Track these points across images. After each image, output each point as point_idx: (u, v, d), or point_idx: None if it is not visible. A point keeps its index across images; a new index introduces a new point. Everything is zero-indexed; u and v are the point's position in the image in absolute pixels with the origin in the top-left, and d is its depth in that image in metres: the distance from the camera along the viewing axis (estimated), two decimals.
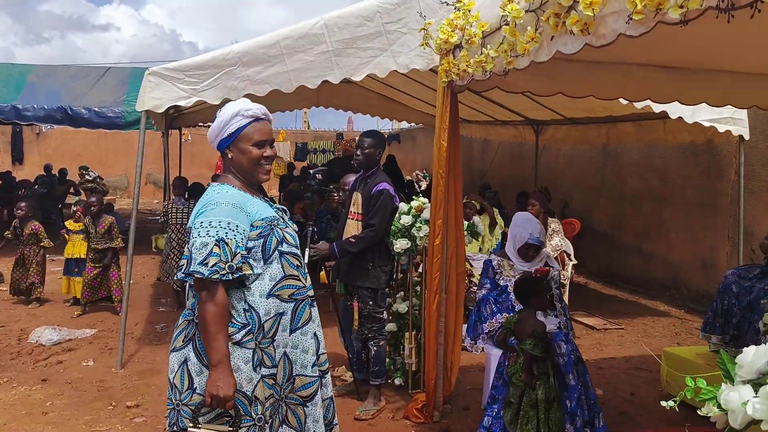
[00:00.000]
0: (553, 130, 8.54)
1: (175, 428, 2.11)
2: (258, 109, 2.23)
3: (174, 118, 9.56)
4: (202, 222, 2.07)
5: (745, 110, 5.57)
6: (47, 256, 9.39)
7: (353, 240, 3.94)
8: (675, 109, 5.21)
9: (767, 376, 1.15)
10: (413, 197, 4.38)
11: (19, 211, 6.66)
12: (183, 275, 2.09)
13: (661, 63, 4.00)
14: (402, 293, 4.71)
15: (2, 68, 11.24)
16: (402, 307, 4.56)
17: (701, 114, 5.41)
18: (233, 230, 2.06)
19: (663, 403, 1.38)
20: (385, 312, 4.25)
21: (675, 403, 1.30)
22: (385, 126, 19.70)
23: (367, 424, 3.93)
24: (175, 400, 2.13)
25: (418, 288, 4.62)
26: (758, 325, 3.56)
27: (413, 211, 4.14)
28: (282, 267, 2.18)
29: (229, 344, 2.07)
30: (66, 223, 6.88)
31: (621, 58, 3.87)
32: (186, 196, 6.91)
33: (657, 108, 5.29)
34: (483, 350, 4.42)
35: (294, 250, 2.24)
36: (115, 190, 18.32)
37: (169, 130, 10.27)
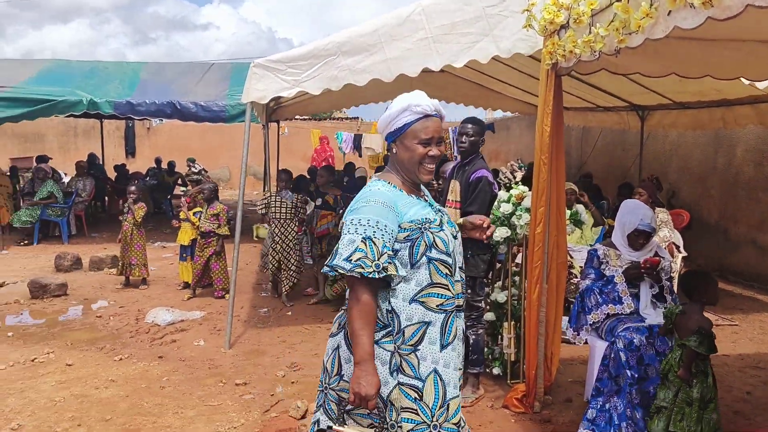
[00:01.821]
0: (660, 115, 8.09)
1: (321, 417, 2.13)
2: (429, 105, 2.11)
3: (273, 111, 9.89)
4: (352, 219, 2.05)
5: None
6: (159, 243, 10.07)
7: None
8: None
9: None
10: (512, 186, 4.30)
11: (131, 195, 7.13)
12: (328, 268, 2.04)
13: None
14: (500, 282, 4.64)
15: (117, 67, 12.09)
16: (501, 296, 4.50)
17: None
18: (381, 229, 2.01)
19: None
20: (483, 301, 4.21)
21: None
22: (479, 115, 19.47)
23: (466, 412, 3.92)
24: (325, 383, 2.13)
25: (516, 278, 4.54)
26: None
27: (513, 199, 4.07)
28: (429, 273, 2.07)
29: None
30: (180, 214, 7.27)
31: (744, 34, 3.60)
32: (291, 189, 6.69)
33: None
34: (586, 342, 4.28)
35: (445, 257, 2.09)
36: (218, 181, 19.23)
37: (268, 123, 10.64)
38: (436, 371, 2.05)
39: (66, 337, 5.36)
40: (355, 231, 2.01)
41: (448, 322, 2.10)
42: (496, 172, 11.77)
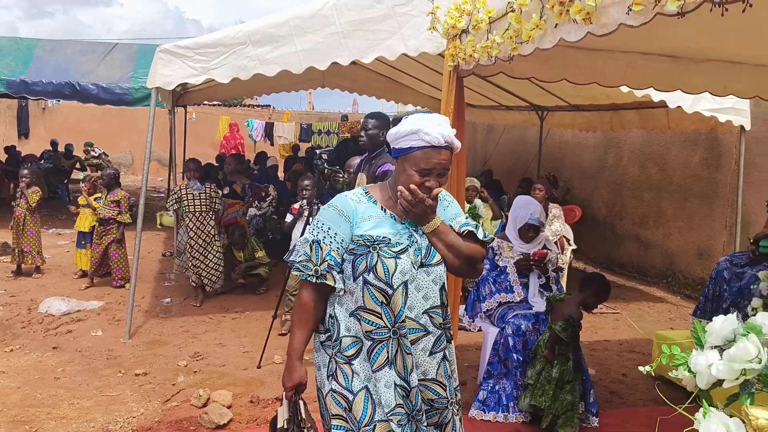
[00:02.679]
0: (557, 116, 8.60)
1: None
2: (439, 136, 1.96)
3: (180, 96, 9.62)
4: (315, 220, 2.10)
5: (748, 101, 5.64)
6: (54, 230, 9.57)
7: None
8: (675, 99, 5.29)
9: (732, 342, 1.26)
10: None
11: (24, 179, 6.77)
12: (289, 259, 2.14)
13: (664, 52, 4.08)
14: None
15: (9, 42, 11.29)
16: None
17: (702, 104, 5.48)
18: (331, 236, 2.01)
19: (641, 368, 1.50)
20: None
21: (651, 368, 1.43)
22: (391, 109, 19.74)
23: None
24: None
25: None
26: (747, 310, 3.68)
27: None
28: (363, 296, 1.99)
29: (317, 341, 2.11)
30: (79, 199, 6.97)
31: (624, 46, 3.95)
32: (200, 179, 6.17)
33: (656, 97, 5.38)
34: (480, 329, 4.54)
35: (382, 284, 1.96)
36: (120, 166, 18.41)
37: (174, 108, 10.34)
38: (367, 389, 2.00)
39: None
40: (311, 232, 2.07)
41: (374, 351, 1.99)
42: None
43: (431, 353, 2.05)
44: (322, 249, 2.00)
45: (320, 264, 1.99)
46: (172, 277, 6.97)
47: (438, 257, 2.06)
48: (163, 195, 13.18)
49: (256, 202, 7.34)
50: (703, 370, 1.30)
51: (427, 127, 1.97)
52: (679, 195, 7.59)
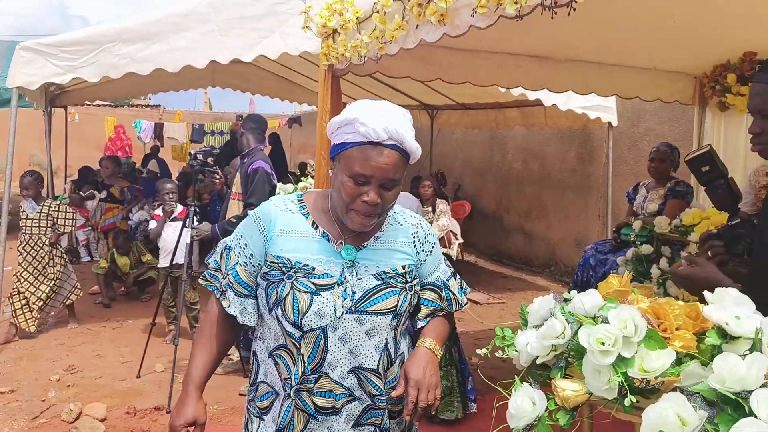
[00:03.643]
0: (446, 115, 8.87)
1: None
2: (380, 129, 1.42)
3: (56, 96, 9.06)
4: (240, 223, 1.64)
5: (614, 98, 6.07)
6: None
7: (234, 220, 4.00)
8: (550, 97, 5.61)
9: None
10: (301, 179, 4.49)
11: None
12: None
13: (529, 53, 4.32)
14: None
15: None
16: None
17: (574, 102, 5.84)
18: (240, 247, 1.55)
19: (478, 351, 1.59)
20: None
21: (488, 350, 1.52)
22: (288, 108, 19.57)
23: None
24: None
25: None
26: None
27: (297, 191, 4.24)
28: (278, 333, 1.53)
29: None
30: None
31: (493, 47, 4.15)
32: (37, 197, 5.18)
33: (533, 96, 5.68)
34: None
35: (288, 326, 1.49)
36: None
37: (51, 109, 9.73)
38: None
39: None
40: (231, 235, 1.62)
41: (283, 408, 1.51)
42: (304, 165, 12.00)
43: (356, 425, 1.53)
44: (230, 258, 1.56)
45: (224, 277, 1.57)
46: None
47: (383, 305, 1.51)
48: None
49: (138, 205, 7.06)
50: (522, 348, 1.40)
51: (364, 116, 1.43)
52: (558, 188, 8.05)
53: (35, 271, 5.04)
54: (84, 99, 10.55)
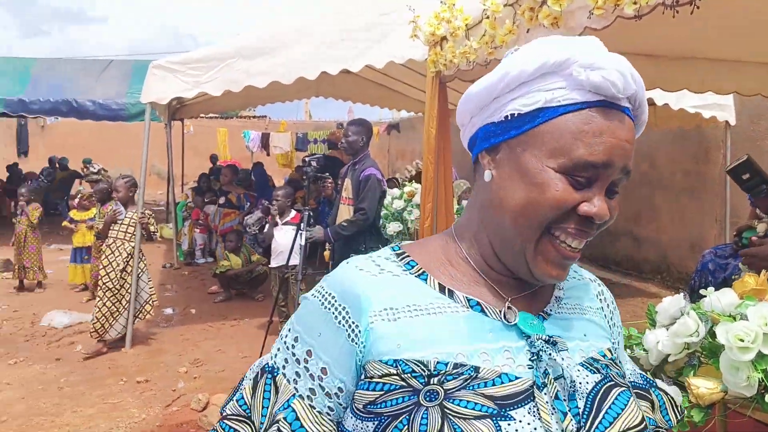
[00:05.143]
0: None
1: None
2: (627, 75, 0.77)
3: (176, 110, 9.76)
4: (286, 326, 0.89)
5: (731, 96, 5.75)
6: (55, 245, 9.70)
7: (345, 224, 4.16)
8: (661, 96, 5.40)
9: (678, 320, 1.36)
10: (404, 184, 4.59)
11: (22, 197, 6.92)
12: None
13: (642, 51, 4.20)
14: None
15: (6, 62, 11.44)
16: None
17: (687, 101, 5.60)
18: (300, 363, 0.82)
19: None
20: None
21: None
22: (386, 116, 19.88)
23: None
24: None
25: None
26: None
27: (405, 196, 4.35)
28: None
29: None
30: (71, 214, 7.10)
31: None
32: (128, 202, 5.23)
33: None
34: None
35: None
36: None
37: (171, 122, 10.48)
38: None
39: None
40: (274, 349, 0.88)
41: None
42: (391, 180, 12.17)
43: None
44: (278, 390, 0.83)
45: (266, 429, 0.81)
46: (173, 288, 7.08)
47: (627, 420, 0.79)
48: (163, 208, 13.30)
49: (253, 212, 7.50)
50: (652, 347, 1.41)
51: (586, 55, 0.76)
52: (670, 190, 7.69)
53: (115, 276, 4.91)
54: (200, 112, 11.28)
